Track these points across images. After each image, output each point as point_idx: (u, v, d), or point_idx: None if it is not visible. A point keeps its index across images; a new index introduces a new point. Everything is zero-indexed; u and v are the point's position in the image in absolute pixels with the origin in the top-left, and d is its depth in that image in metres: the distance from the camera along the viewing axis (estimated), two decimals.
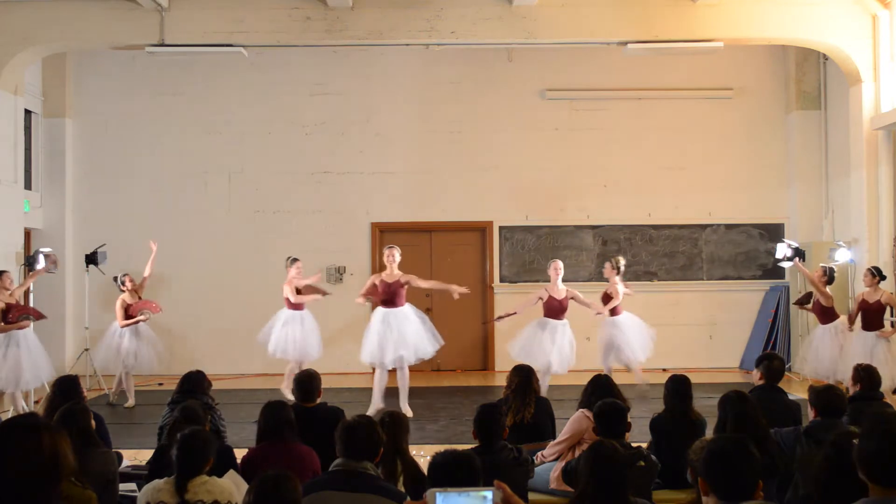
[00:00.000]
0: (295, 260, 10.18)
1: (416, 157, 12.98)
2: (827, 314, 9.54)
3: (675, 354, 12.30)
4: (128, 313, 9.97)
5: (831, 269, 9.70)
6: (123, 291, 10.04)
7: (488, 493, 2.60)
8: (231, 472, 4.32)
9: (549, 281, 9.89)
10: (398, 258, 9.34)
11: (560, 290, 9.76)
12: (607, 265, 10.57)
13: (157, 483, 3.83)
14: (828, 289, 9.56)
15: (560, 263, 9.90)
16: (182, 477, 3.76)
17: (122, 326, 9.92)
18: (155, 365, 10.14)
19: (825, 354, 9.36)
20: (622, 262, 10.53)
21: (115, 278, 10.19)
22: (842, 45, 10.86)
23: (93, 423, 4.63)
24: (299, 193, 12.92)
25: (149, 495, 3.80)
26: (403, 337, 9.16)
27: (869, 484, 2.81)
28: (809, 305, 9.99)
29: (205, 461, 3.83)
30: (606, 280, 10.58)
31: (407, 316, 9.31)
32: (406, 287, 9.33)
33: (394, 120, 13.01)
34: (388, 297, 9.25)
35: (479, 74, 13.01)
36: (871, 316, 9.10)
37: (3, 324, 8.85)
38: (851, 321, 9.37)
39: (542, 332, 9.66)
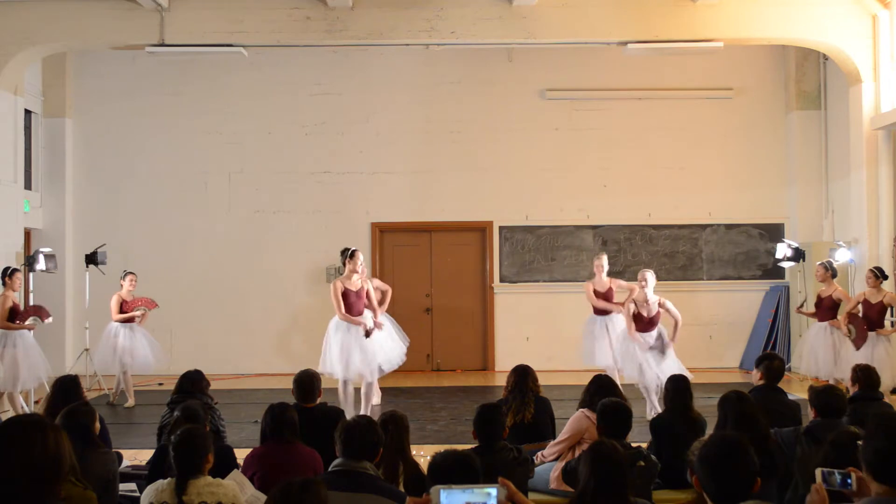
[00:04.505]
0: (129, 273, 10.14)
1: (416, 157, 12.97)
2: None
3: (676, 354, 12.27)
4: (123, 310, 9.99)
5: (830, 263, 9.71)
6: (122, 287, 10.06)
7: (492, 490, 2.57)
8: (235, 472, 4.31)
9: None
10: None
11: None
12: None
13: (160, 483, 3.81)
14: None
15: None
16: (182, 477, 3.73)
17: (116, 321, 9.93)
18: (152, 363, 10.14)
19: (821, 352, 9.36)
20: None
21: (124, 273, 10.20)
22: (842, 45, 10.86)
23: (97, 424, 4.62)
24: (299, 193, 12.92)
25: (151, 496, 3.78)
26: (372, 348, 8.60)
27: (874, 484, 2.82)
28: (810, 311, 10.00)
29: (203, 458, 3.80)
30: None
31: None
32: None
33: (394, 120, 13.00)
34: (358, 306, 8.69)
35: (479, 74, 13.00)
36: (874, 316, 9.08)
37: (9, 323, 8.85)
38: (850, 321, 9.17)
39: None
